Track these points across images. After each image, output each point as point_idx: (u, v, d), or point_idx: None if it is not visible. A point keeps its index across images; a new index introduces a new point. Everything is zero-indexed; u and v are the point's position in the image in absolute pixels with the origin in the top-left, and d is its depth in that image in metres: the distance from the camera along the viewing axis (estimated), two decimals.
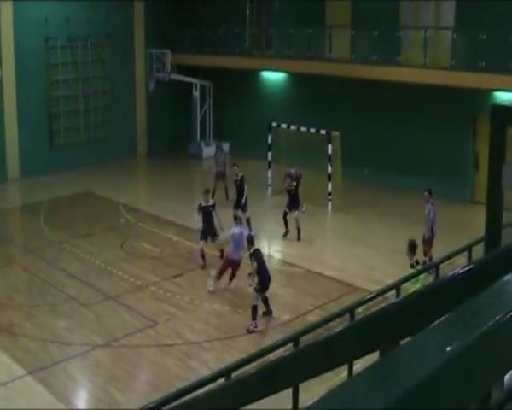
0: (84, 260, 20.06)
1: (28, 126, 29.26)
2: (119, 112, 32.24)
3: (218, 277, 17.32)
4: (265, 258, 16.59)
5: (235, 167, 22.33)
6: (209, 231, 18.99)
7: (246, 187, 21.74)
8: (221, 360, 13.51)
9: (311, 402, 4.23)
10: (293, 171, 22.54)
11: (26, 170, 29.11)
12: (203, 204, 19.20)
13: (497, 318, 4.28)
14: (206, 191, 19.74)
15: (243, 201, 21.47)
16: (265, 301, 15.90)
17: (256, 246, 16.03)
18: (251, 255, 15.81)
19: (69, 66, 30.61)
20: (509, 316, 4.34)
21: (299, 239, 20.78)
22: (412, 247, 14.68)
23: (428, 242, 18.01)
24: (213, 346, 14.85)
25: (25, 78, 29.06)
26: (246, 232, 17.45)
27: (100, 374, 13.94)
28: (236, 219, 19.15)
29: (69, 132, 30.80)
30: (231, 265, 17.30)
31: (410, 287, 12.69)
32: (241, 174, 21.95)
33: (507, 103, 9.88)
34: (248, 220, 21.37)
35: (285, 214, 20.97)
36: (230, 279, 17.40)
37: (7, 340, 15.31)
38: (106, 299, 17.32)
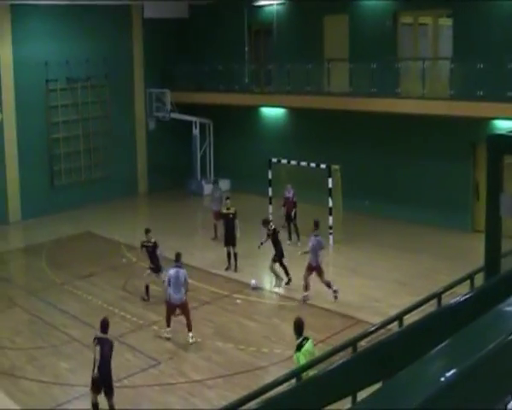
0: (85, 300, 20.02)
1: (29, 168, 29.36)
2: (120, 151, 32.34)
3: (167, 324, 16.95)
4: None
5: (227, 201, 22.52)
6: (154, 269, 19.57)
7: (237, 222, 21.75)
8: (224, 398, 13.41)
9: None
10: (289, 194, 23.60)
11: (28, 211, 29.16)
12: (144, 243, 19.92)
13: (494, 343, 4.26)
14: (147, 231, 20.16)
15: (235, 235, 21.67)
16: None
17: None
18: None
19: (69, 107, 30.77)
20: (506, 341, 4.31)
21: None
22: (298, 326, 12.93)
23: (317, 269, 18.68)
24: (216, 383, 14.74)
25: (25, 120, 29.23)
26: (182, 272, 16.89)
27: None
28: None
29: (70, 173, 30.88)
30: (173, 309, 16.93)
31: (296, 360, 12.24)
32: (233, 208, 21.93)
33: (503, 132, 9.86)
34: (235, 256, 21.61)
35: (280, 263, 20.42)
36: (188, 330, 16.78)
37: (9, 383, 15.28)
38: None
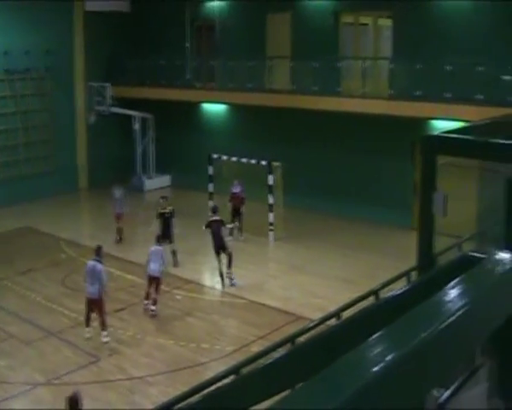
0: (24, 296, 19.78)
1: None
2: (60, 145, 31.97)
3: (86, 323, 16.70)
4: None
5: (162, 200, 22.60)
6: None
7: (174, 220, 21.91)
8: (165, 394, 13.39)
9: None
10: (235, 190, 23.60)
11: None
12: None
13: (429, 330, 4.43)
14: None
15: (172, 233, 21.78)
16: None
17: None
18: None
19: (8, 99, 30.29)
20: (436, 331, 4.48)
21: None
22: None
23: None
24: (157, 380, 14.76)
25: None
26: (99, 267, 16.55)
27: None
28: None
29: (9, 166, 30.42)
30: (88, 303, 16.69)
31: None
32: (170, 208, 22.07)
33: (437, 133, 10.12)
34: (174, 252, 21.70)
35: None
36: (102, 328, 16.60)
37: None
38: (47, 336, 17.11)
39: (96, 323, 16.57)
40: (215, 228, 20.00)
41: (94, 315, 16.53)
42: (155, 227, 21.74)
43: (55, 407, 13.71)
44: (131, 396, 14.12)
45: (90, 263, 16.70)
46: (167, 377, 14.88)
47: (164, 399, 12.19)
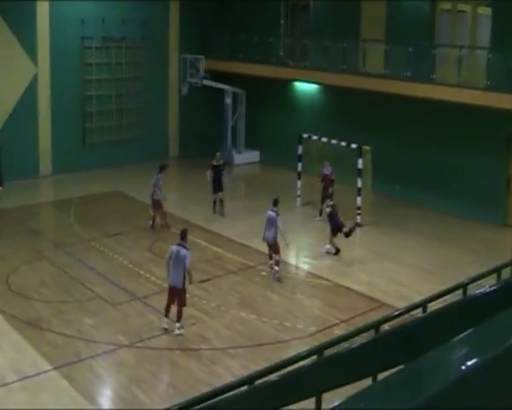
0: (112, 259, 20.27)
1: (61, 124, 29.69)
2: (152, 114, 32.52)
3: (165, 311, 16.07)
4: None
5: (218, 153, 25.14)
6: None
7: (225, 172, 24.92)
8: (245, 368, 13.58)
9: (337, 403, 4.31)
10: (327, 171, 23.97)
11: (58, 167, 29.53)
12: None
13: None
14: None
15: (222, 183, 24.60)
16: None
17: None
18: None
19: (103, 66, 30.98)
20: None
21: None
22: None
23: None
24: (238, 353, 14.89)
25: (59, 75, 29.50)
26: (184, 253, 15.55)
27: (124, 373, 14.05)
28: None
29: (102, 131, 31.14)
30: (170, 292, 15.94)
31: None
32: (221, 161, 24.79)
33: None
34: (222, 202, 24.61)
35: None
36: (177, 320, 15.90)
37: (34, 334, 15.53)
38: (132, 299, 17.50)
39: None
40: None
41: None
42: (209, 176, 24.19)
43: (137, 370, 14.09)
44: (213, 366, 14.30)
45: (174, 248, 15.68)
46: (248, 350, 14.98)
47: (244, 372, 12.42)
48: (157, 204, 22.93)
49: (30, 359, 14.39)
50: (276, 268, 18.92)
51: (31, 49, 28.76)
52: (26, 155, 28.71)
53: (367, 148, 23.83)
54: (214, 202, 24.75)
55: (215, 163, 24.62)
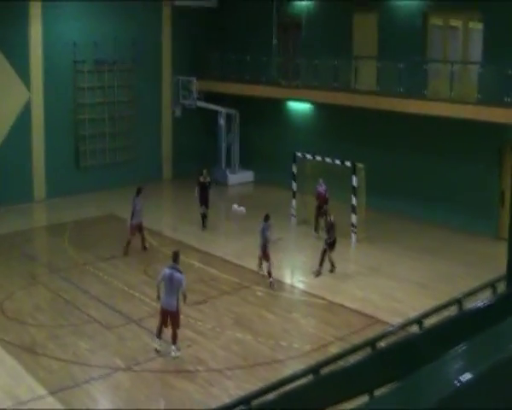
0: (107, 282, 20.24)
1: (55, 148, 29.73)
2: (145, 136, 32.57)
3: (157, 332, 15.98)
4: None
5: (205, 171, 25.88)
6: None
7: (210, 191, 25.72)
8: (242, 388, 13.56)
9: None
10: (321, 188, 23.96)
11: (52, 190, 29.50)
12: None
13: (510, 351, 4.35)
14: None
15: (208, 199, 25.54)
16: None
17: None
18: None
19: (96, 89, 31.02)
20: None
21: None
22: None
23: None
24: (235, 374, 14.85)
25: (52, 99, 29.56)
26: (177, 276, 15.47)
27: (121, 397, 14.01)
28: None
29: (95, 154, 31.16)
30: (163, 314, 15.77)
31: None
32: (208, 179, 25.67)
33: None
34: (205, 215, 25.36)
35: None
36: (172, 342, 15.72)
37: (30, 359, 15.47)
38: (128, 322, 17.46)
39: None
40: None
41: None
42: (197, 193, 25.31)
43: (134, 393, 14.02)
44: (209, 388, 14.25)
45: (167, 271, 15.59)
46: (245, 371, 14.94)
47: (241, 393, 12.36)
48: (134, 228, 22.98)
49: (25, 384, 14.34)
50: (270, 279, 19.45)
51: (24, 73, 28.80)
52: (20, 179, 28.67)
53: (361, 166, 23.87)
54: (202, 216, 25.53)
55: (202, 180, 25.55)
